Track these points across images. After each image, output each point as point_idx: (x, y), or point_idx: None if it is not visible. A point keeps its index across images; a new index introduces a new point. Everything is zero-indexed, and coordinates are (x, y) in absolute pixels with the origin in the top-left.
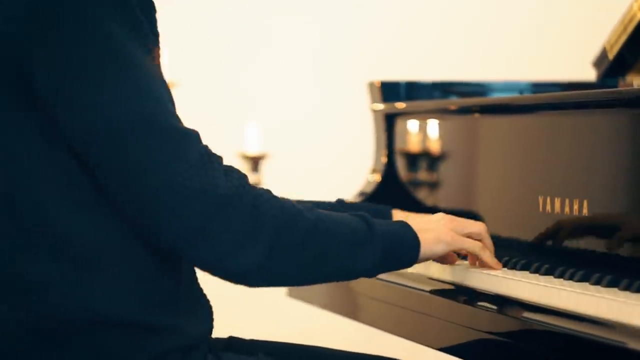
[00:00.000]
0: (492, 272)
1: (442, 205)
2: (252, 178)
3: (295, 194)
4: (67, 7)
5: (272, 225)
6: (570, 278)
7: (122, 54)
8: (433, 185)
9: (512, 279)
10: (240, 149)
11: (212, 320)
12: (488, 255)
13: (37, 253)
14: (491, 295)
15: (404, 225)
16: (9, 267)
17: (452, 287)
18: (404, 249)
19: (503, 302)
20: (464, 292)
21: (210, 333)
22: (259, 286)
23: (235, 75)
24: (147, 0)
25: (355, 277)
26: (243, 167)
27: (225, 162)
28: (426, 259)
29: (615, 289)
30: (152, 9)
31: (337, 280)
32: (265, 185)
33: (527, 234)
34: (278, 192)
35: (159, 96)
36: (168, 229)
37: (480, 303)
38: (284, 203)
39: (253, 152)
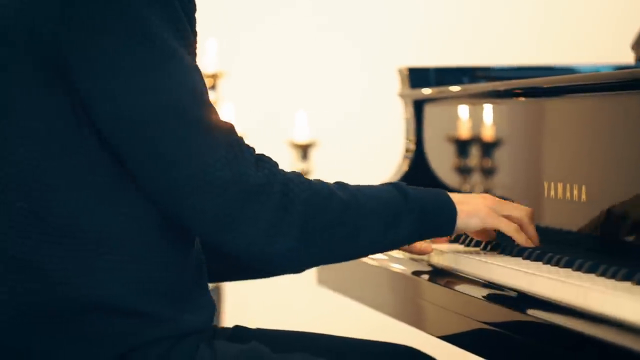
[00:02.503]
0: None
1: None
2: (301, 166)
3: (347, 180)
4: None
5: (304, 209)
6: None
7: (158, 44)
8: (463, 172)
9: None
10: (290, 137)
11: (211, 315)
12: (522, 239)
13: (40, 235)
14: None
15: (441, 193)
16: (10, 248)
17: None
18: (441, 216)
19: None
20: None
21: (208, 326)
22: (294, 271)
23: (284, 64)
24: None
25: (392, 248)
26: (292, 156)
27: (275, 150)
28: (462, 231)
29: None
30: (192, 6)
31: (374, 253)
32: (314, 173)
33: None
34: (328, 180)
35: (193, 88)
36: (200, 219)
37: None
38: (315, 185)
39: (302, 140)
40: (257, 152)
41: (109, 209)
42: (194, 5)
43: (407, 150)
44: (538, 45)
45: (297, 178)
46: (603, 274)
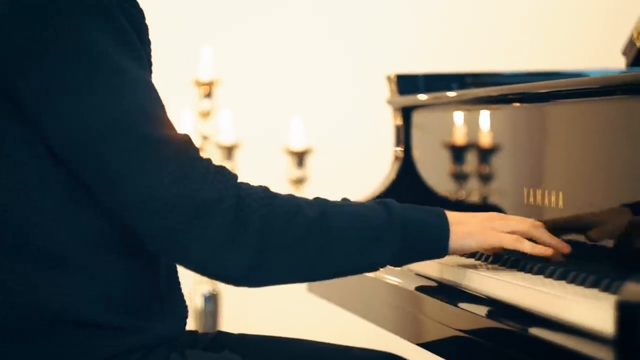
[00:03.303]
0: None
1: (463, 199)
2: (297, 173)
3: (341, 188)
4: (48, 15)
5: (260, 226)
6: None
7: (101, 60)
8: (452, 178)
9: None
10: (286, 144)
11: (182, 323)
12: (527, 248)
13: (0, 252)
14: None
15: (435, 214)
16: None
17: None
18: (429, 239)
19: None
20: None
21: (179, 335)
22: (251, 286)
23: (279, 71)
24: (133, 8)
25: (372, 269)
26: (288, 162)
27: (270, 157)
28: (458, 252)
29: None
30: (139, 16)
31: (352, 274)
32: (310, 180)
33: None
34: (323, 186)
35: (140, 103)
36: (151, 235)
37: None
38: (280, 201)
39: (298, 147)
40: (217, 165)
41: (66, 227)
42: (142, 15)
43: (395, 158)
44: (529, 51)
45: (260, 193)
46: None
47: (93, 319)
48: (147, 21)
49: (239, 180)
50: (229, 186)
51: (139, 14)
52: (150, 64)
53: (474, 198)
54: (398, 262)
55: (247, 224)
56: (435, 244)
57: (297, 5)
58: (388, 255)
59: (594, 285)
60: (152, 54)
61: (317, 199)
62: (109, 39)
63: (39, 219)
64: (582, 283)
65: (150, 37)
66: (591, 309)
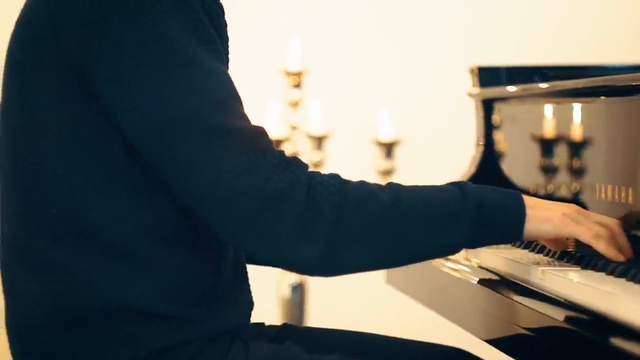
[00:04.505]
0: None
1: (546, 193)
2: (384, 164)
3: (428, 179)
4: (128, 6)
5: (332, 213)
6: None
7: (175, 50)
8: (535, 172)
9: None
10: (374, 135)
11: (247, 314)
12: (603, 246)
13: (63, 239)
14: None
15: (513, 196)
16: (41, 252)
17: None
18: (505, 219)
19: None
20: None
21: (243, 326)
22: (326, 275)
23: (367, 61)
24: (214, 2)
25: (448, 252)
26: (377, 154)
27: (359, 148)
28: (533, 238)
29: None
30: (218, 11)
31: (427, 259)
32: (399, 172)
33: None
34: (411, 178)
35: (214, 94)
36: (221, 227)
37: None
38: (351, 187)
39: (386, 138)
40: (290, 155)
41: (133, 217)
42: (222, 10)
43: (476, 151)
44: (609, 44)
45: (330, 180)
46: None
47: (154, 308)
48: (237, 13)
49: (321, 170)
50: (300, 174)
51: (219, 8)
52: (227, 60)
53: (559, 192)
54: (474, 243)
55: (319, 212)
56: (512, 225)
57: None
58: (464, 236)
59: None
60: (231, 49)
61: (390, 184)
62: (186, 30)
63: (107, 208)
64: None
65: (240, 27)
66: None
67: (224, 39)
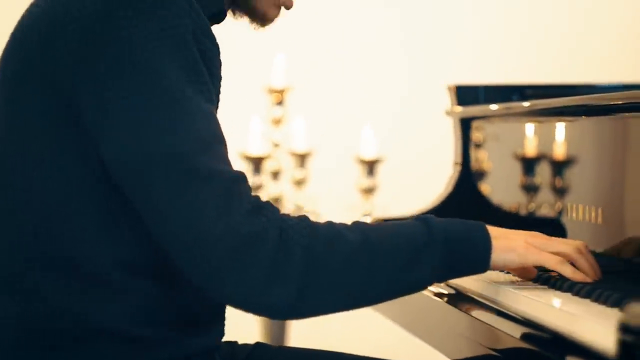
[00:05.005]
0: None
1: (521, 212)
2: (367, 182)
3: (410, 198)
4: (121, 37)
5: (303, 256)
6: None
7: (165, 87)
8: (511, 191)
9: None
10: (357, 153)
11: (220, 335)
12: (570, 272)
13: (37, 262)
14: None
15: (477, 228)
16: (17, 274)
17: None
18: (472, 254)
19: None
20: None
21: (215, 345)
22: (298, 318)
23: (350, 80)
24: (208, 39)
25: (417, 289)
26: (359, 172)
27: (342, 166)
28: (499, 268)
29: None
30: (212, 49)
31: (397, 296)
32: (381, 189)
33: None
34: (393, 196)
35: (197, 135)
36: (193, 271)
37: None
38: (320, 230)
39: (369, 156)
40: (262, 199)
41: (108, 248)
42: (217, 49)
43: (454, 170)
44: (591, 64)
45: (300, 223)
46: None
47: (128, 332)
48: (222, 30)
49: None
50: (271, 219)
51: (214, 47)
52: (217, 99)
53: (536, 211)
54: (442, 277)
55: (290, 255)
56: (479, 257)
57: (369, 16)
58: (432, 269)
59: (614, 304)
60: (221, 89)
61: (355, 223)
62: (177, 66)
63: (81, 238)
64: (605, 302)
65: (225, 44)
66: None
67: (217, 79)
